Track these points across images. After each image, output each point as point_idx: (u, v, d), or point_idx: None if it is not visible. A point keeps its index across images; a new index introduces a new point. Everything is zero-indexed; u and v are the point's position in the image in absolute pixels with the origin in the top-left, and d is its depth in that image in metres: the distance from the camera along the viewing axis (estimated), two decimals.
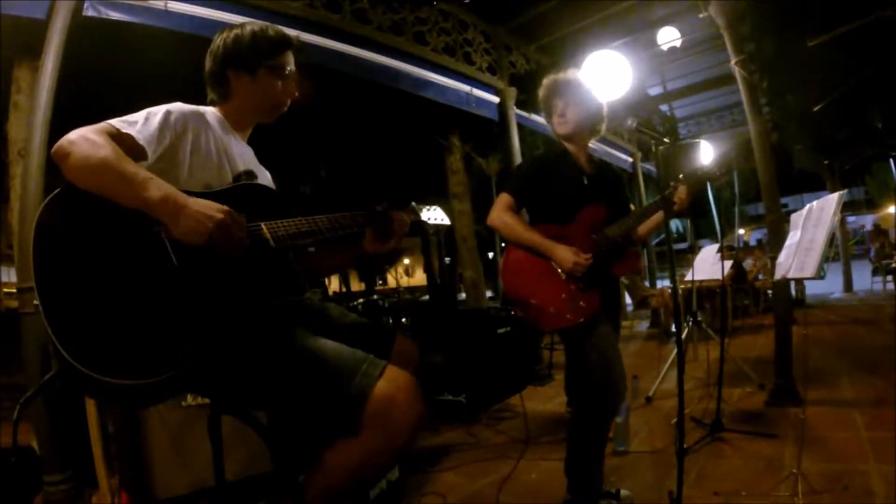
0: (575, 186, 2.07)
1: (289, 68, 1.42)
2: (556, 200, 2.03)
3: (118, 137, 1.11)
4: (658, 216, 2.06)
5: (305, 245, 1.39)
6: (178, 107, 1.25)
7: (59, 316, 0.97)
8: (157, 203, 1.05)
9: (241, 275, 1.14)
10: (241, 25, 1.41)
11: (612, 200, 2.13)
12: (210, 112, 1.36)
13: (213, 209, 1.07)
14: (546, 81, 2.15)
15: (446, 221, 1.63)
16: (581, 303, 1.89)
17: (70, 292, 1.00)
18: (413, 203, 1.56)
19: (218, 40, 1.39)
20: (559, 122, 2.11)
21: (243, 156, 1.40)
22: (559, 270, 1.94)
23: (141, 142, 1.14)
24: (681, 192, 2.04)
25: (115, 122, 1.14)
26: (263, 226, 1.20)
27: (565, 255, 1.91)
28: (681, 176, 2.08)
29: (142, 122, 1.17)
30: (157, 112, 1.21)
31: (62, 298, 0.99)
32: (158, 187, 1.06)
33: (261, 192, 1.32)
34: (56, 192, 1.07)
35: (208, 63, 1.40)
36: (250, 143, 1.50)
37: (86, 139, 1.06)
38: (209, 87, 1.42)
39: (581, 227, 2.00)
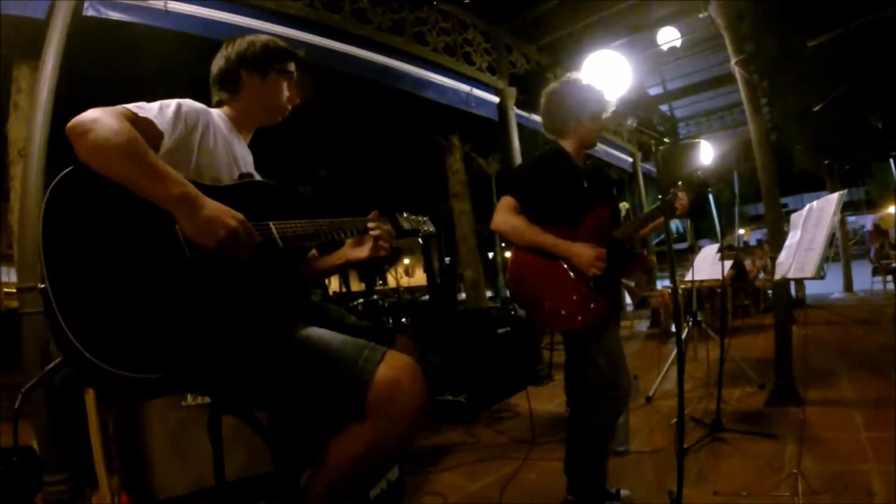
0: (576, 188, 2.05)
1: (295, 75, 1.49)
2: (558, 203, 1.98)
3: (136, 122, 1.10)
4: (659, 218, 2.07)
5: (310, 247, 1.40)
6: (188, 101, 1.26)
7: (65, 301, 0.95)
8: (175, 199, 1.04)
9: (250, 273, 1.14)
10: (253, 35, 1.48)
11: (613, 201, 2.13)
12: (216, 112, 1.38)
13: (227, 215, 1.07)
14: (584, 84, 2.09)
15: (431, 229, 1.67)
16: (592, 304, 1.88)
17: (80, 277, 0.97)
18: (402, 213, 1.56)
19: (230, 45, 1.44)
20: (592, 131, 2.08)
21: (245, 158, 1.42)
22: (570, 273, 1.90)
23: (160, 127, 1.13)
24: (682, 199, 2.03)
25: (132, 107, 1.12)
26: (272, 225, 1.20)
27: (583, 251, 1.86)
28: (679, 183, 2.08)
29: (157, 110, 1.16)
30: (170, 104, 1.20)
31: (70, 283, 0.96)
32: (177, 183, 1.05)
33: (268, 191, 1.33)
34: (67, 171, 1.03)
35: (219, 64, 1.43)
36: (250, 147, 1.51)
37: (108, 120, 1.03)
38: (218, 86, 1.44)
39: (589, 230, 1.97)
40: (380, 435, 1.08)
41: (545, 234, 1.91)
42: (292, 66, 1.48)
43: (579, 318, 1.87)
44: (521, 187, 2.01)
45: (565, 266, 1.92)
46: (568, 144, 2.10)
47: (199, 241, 1.05)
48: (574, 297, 1.89)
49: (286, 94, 1.47)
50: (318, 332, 1.18)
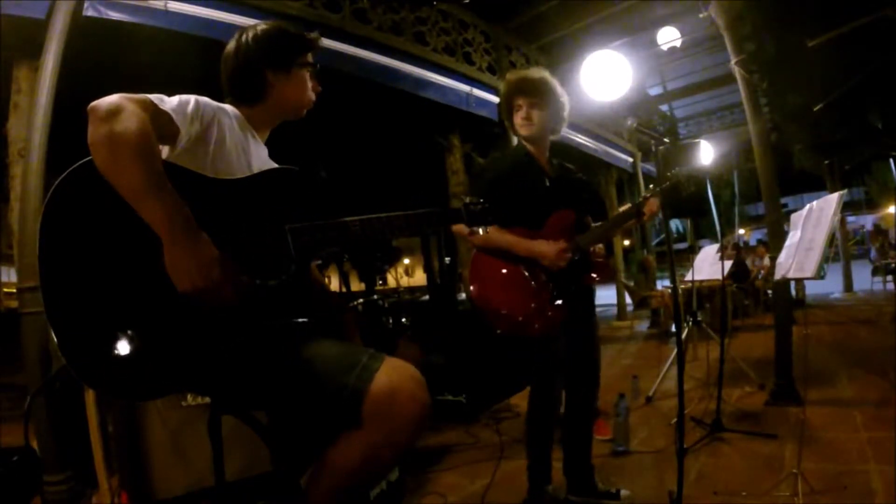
0: (538, 190, 2.01)
1: (317, 64, 1.40)
2: (520, 205, 1.92)
3: (156, 115, 1.05)
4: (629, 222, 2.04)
5: (328, 252, 1.33)
6: (203, 98, 1.21)
7: (56, 310, 0.96)
8: (164, 220, 0.96)
9: (252, 294, 1.08)
10: (264, 23, 1.36)
11: (580, 204, 2.07)
12: (231, 110, 1.30)
13: (207, 267, 0.98)
14: (510, 77, 2.08)
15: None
16: (549, 313, 1.88)
17: (72, 286, 0.97)
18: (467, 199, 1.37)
19: (242, 40, 1.32)
20: (522, 123, 2.02)
21: (260, 157, 1.35)
22: (531, 281, 1.89)
23: (177, 123, 1.10)
24: (651, 204, 1.97)
25: (153, 98, 1.07)
26: (289, 233, 1.15)
27: (547, 248, 1.86)
28: (651, 186, 2.05)
29: (176, 104, 1.12)
30: (189, 99, 1.16)
31: (62, 291, 0.96)
32: (173, 209, 0.97)
33: (289, 179, 1.24)
34: (68, 173, 1.00)
35: (234, 63, 1.32)
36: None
37: (130, 113, 0.98)
38: (237, 88, 1.33)
39: (552, 233, 1.93)
40: (376, 445, 1.05)
41: (506, 234, 1.89)
42: (312, 56, 1.37)
43: (536, 325, 1.86)
44: (478, 188, 2.00)
45: (525, 273, 1.90)
46: (526, 143, 2.07)
47: (171, 275, 0.98)
48: (532, 305, 1.88)
49: (310, 87, 1.37)
50: (315, 341, 1.15)
